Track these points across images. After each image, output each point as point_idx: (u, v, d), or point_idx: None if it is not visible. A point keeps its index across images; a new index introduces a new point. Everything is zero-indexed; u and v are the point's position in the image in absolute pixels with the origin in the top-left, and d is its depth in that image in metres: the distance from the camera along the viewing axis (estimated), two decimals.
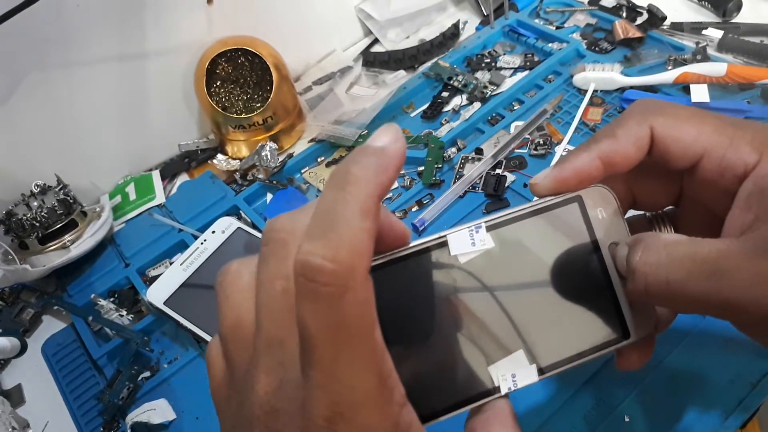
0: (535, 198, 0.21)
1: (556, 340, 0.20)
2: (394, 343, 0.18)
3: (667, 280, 0.18)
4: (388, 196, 0.45)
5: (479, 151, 0.46)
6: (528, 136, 0.46)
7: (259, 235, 0.42)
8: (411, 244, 0.20)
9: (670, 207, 0.23)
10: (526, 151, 0.45)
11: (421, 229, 0.41)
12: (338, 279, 0.14)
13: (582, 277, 0.21)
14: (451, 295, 0.20)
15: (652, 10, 0.52)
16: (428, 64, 0.55)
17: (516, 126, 0.47)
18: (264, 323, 0.16)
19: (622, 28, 0.52)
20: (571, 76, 0.49)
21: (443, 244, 0.20)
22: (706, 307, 0.18)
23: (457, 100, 0.51)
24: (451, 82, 0.52)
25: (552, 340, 0.20)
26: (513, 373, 0.20)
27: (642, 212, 0.24)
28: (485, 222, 0.20)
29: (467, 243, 0.20)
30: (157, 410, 0.35)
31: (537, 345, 0.20)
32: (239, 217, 0.46)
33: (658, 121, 0.20)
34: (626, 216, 0.22)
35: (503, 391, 0.19)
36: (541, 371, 0.20)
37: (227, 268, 0.18)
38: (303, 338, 0.15)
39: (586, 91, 0.48)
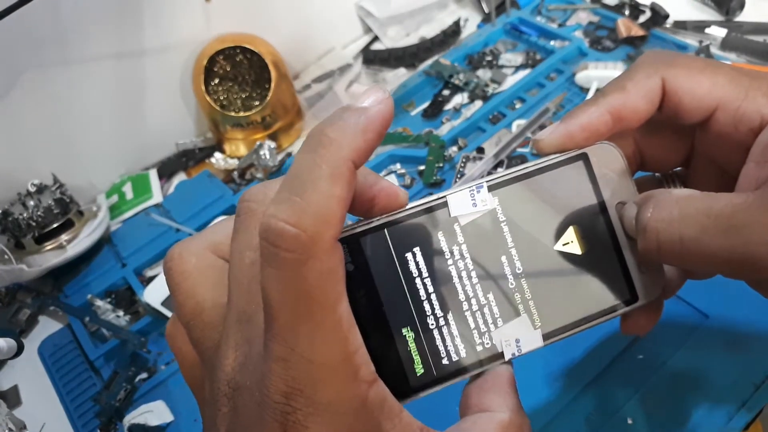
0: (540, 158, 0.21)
1: (562, 304, 0.19)
2: (389, 309, 0.18)
3: (680, 237, 0.17)
4: None
5: (480, 150, 0.45)
6: (530, 135, 0.46)
7: None
8: (408, 206, 0.19)
9: (679, 168, 0.22)
10: (528, 150, 0.45)
11: None
12: (300, 245, 0.14)
13: (588, 238, 0.20)
14: (450, 259, 0.19)
15: (655, 8, 0.52)
16: (429, 62, 0.55)
17: (518, 125, 0.47)
18: (233, 298, 0.16)
19: (624, 26, 0.52)
20: (574, 75, 0.49)
21: (442, 205, 0.19)
22: (721, 265, 0.17)
23: (458, 99, 0.51)
24: (452, 80, 0.51)
25: (557, 304, 0.19)
26: (517, 338, 0.19)
27: (651, 173, 0.23)
28: (487, 182, 0.19)
29: (468, 204, 0.19)
30: (155, 412, 0.35)
31: (541, 309, 0.19)
32: None
33: (670, 72, 0.19)
34: (634, 177, 0.21)
35: (507, 356, 0.19)
36: (546, 336, 0.19)
37: (171, 254, 0.18)
38: (264, 308, 0.14)
39: (588, 89, 0.47)
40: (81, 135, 0.48)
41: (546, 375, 0.32)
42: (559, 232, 0.20)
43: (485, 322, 0.19)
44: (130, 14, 0.46)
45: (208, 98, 0.49)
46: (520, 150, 0.45)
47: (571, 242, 0.20)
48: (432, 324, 0.19)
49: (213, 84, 0.50)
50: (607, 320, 0.20)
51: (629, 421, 0.30)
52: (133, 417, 0.35)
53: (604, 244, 0.20)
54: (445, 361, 0.19)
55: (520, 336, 0.19)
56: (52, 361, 0.40)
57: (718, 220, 0.16)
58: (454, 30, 0.57)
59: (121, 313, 0.41)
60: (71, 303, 0.42)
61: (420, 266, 0.19)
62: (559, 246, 0.20)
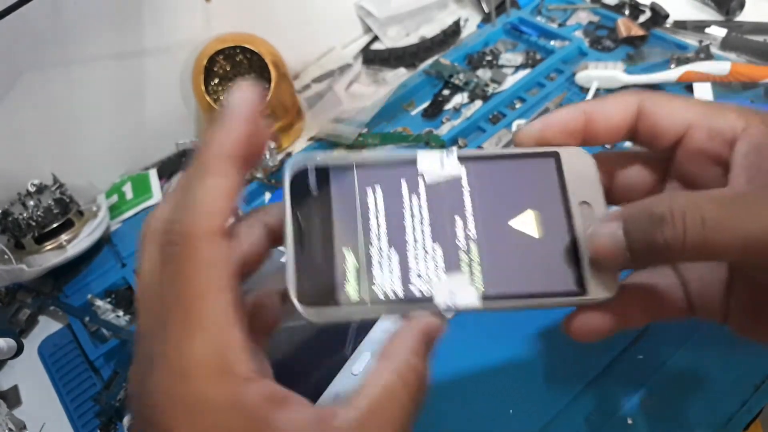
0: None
1: (507, 275, 0.20)
2: (338, 231, 0.19)
3: (702, 218, 0.17)
4: None
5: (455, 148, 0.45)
6: None
7: None
8: (381, 155, 0.21)
9: None
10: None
11: None
12: (180, 238, 0.14)
13: (545, 225, 0.21)
14: (407, 206, 0.20)
15: (655, 8, 0.52)
16: (429, 61, 0.55)
17: (518, 125, 0.47)
18: (138, 317, 0.16)
19: (624, 26, 0.52)
20: (574, 75, 0.49)
21: (412, 161, 0.21)
22: (738, 246, 0.17)
23: (458, 99, 0.51)
24: (452, 80, 0.51)
25: (502, 274, 0.20)
26: (452, 290, 0.19)
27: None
28: (458, 151, 0.21)
29: (436, 164, 0.21)
30: None
31: (486, 274, 0.20)
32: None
33: (646, 96, 0.21)
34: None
35: (438, 304, 0.19)
36: (484, 298, 0.20)
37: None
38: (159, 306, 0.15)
39: (588, 89, 0.47)
40: (81, 135, 0.48)
41: (546, 375, 0.32)
42: (518, 212, 0.21)
43: (426, 268, 0.20)
44: (130, 14, 0.46)
45: (208, 98, 0.49)
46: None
47: (528, 224, 0.21)
48: (374, 254, 0.20)
49: (213, 84, 0.50)
50: (553, 305, 0.20)
51: (629, 421, 0.30)
52: None
53: (560, 235, 0.21)
54: (376, 291, 0.19)
55: (456, 290, 0.19)
56: (52, 361, 0.40)
57: (734, 201, 0.17)
58: (454, 30, 0.57)
59: (121, 313, 0.41)
60: (71, 303, 0.42)
61: (377, 204, 0.20)
62: (515, 224, 0.21)
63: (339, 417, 0.16)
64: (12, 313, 0.43)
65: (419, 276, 0.20)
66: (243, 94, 0.17)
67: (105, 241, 0.46)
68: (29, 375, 0.40)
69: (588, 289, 0.20)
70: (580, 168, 0.21)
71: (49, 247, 0.42)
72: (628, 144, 0.23)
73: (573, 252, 0.20)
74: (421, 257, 0.20)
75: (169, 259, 0.15)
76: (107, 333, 0.40)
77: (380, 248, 0.20)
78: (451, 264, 0.20)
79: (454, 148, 0.22)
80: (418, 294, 0.19)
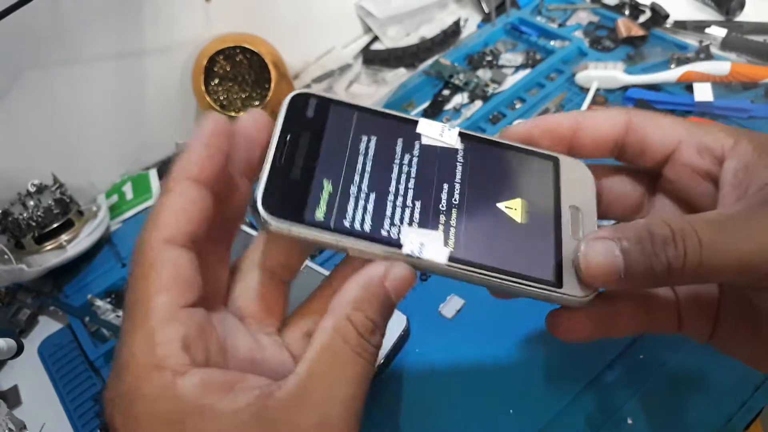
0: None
1: (481, 247, 0.20)
2: (323, 162, 0.20)
3: (699, 241, 0.17)
4: None
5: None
6: None
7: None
8: (384, 109, 0.22)
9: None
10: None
11: None
12: (138, 247, 0.18)
13: (531, 215, 0.21)
14: (398, 160, 0.21)
15: (655, 8, 0.52)
16: (429, 61, 0.55)
17: (518, 125, 0.47)
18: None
19: (624, 26, 0.52)
20: (574, 75, 0.49)
21: (413, 123, 0.22)
22: (732, 266, 0.17)
23: (459, 99, 0.51)
24: (452, 80, 0.51)
25: (477, 244, 0.20)
26: (422, 242, 0.20)
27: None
28: (462, 129, 0.22)
29: (435, 132, 0.22)
30: None
31: (460, 239, 0.20)
32: None
33: (636, 113, 0.22)
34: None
35: (404, 249, 0.19)
36: (452, 258, 0.20)
37: None
38: None
39: (588, 89, 0.47)
40: (81, 135, 0.48)
41: (546, 375, 0.32)
42: (506, 197, 0.21)
43: (401, 218, 0.20)
44: (130, 14, 0.46)
45: (208, 98, 0.49)
46: None
47: (514, 209, 0.21)
48: (352, 191, 0.20)
49: (213, 84, 0.50)
50: (523, 291, 0.20)
51: (629, 421, 0.30)
52: None
53: (545, 226, 0.21)
54: (345, 222, 0.19)
55: (426, 243, 0.20)
56: (52, 361, 0.40)
57: (727, 222, 0.18)
58: (454, 30, 0.57)
59: (121, 313, 0.41)
60: (71, 303, 0.42)
61: (368, 149, 0.21)
62: (501, 205, 0.21)
63: (281, 388, 0.17)
64: (12, 313, 0.42)
65: (392, 223, 0.20)
66: (206, 123, 0.19)
67: (105, 241, 0.46)
68: (29, 375, 0.40)
69: (564, 283, 0.20)
70: (577, 177, 0.22)
71: (49, 247, 0.42)
72: None
73: (555, 245, 0.21)
74: (399, 207, 0.20)
75: (133, 265, 0.17)
76: (107, 333, 0.40)
77: (360, 188, 0.20)
78: (427, 222, 0.20)
79: (457, 126, 0.22)
80: (385, 236, 0.19)
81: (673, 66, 0.47)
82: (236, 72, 0.51)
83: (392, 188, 0.21)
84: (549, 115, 0.23)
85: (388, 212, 0.20)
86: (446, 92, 0.51)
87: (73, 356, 0.40)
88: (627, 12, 0.54)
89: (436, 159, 0.21)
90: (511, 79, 0.51)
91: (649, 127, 0.21)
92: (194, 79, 0.50)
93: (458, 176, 0.21)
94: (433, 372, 0.32)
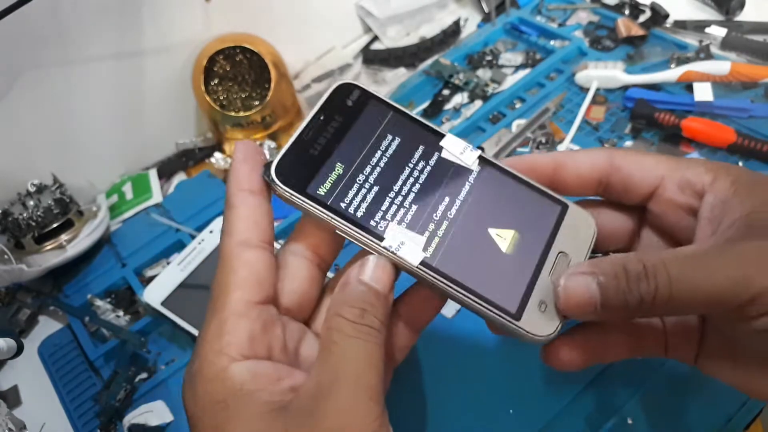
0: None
1: (459, 263, 0.21)
2: (342, 148, 0.22)
3: (668, 276, 0.18)
4: None
5: (480, 149, 0.45)
6: (530, 135, 0.46)
7: None
8: (418, 117, 0.23)
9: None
10: (528, 149, 0.45)
11: None
12: (221, 253, 0.21)
13: (517, 248, 0.22)
14: (411, 163, 0.22)
15: (654, 8, 0.52)
16: (429, 61, 0.55)
17: (518, 124, 0.47)
18: None
19: (624, 25, 0.52)
20: (574, 74, 0.49)
21: (439, 135, 0.23)
22: (703, 299, 0.18)
23: (458, 99, 0.51)
24: (452, 80, 0.51)
25: (456, 259, 0.21)
26: (402, 241, 0.21)
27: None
28: (481, 152, 0.23)
29: (457, 149, 0.23)
30: (155, 412, 0.35)
31: (440, 249, 0.21)
32: None
33: (618, 152, 0.23)
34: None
35: (384, 242, 0.21)
36: (423, 263, 0.21)
37: None
38: None
39: (588, 89, 0.47)
40: (81, 135, 0.48)
41: (546, 375, 0.32)
42: (501, 225, 0.22)
43: (394, 215, 0.22)
44: (130, 14, 0.46)
45: (208, 98, 0.49)
46: (520, 150, 0.45)
47: (504, 238, 0.22)
48: (358, 179, 0.22)
49: (213, 84, 0.50)
50: (482, 312, 0.21)
51: (629, 421, 0.30)
52: (133, 417, 0.35)
53: (526, 263, 0.22)
54: (342, 203, 0.21)
55: (406, 243, 0.21)
56: (52, 361, 0.40)
57: (696, 258, 0.19)
58: (454, 30, 0.57)
59: (121, 313, 0.41)
60: (71, 303, 0.42)
61: (389, 147, 0.23)
62: (492, 231, 0.22)
63: (303, 385, 0.19)
64: (12, 313, 0.43)
65: (383, 218, 0.21)
66: (240, 146, 0.22)
67: (105, 241, 0.46)
68: (29, 375, 0.40)
69: (523, 318, 0.21)
70: (579, 227, 0.23)
71: (49, 247, 0.42)
72: None
73: (529, 282, 0.21)
74: (395, 205, 0.22)
75: (217, 266, 0.20)
76: (107, 333, 0.40)
77: (367, 179, 0.22)
78: (416, 225, 0.22)
79: (478, 150, 0.23)
80: (372, 226, 0.21)
81: (673, 66, 0.47)
82: (236, 72, 0.51)
83: (396, 187, 0.22)
84: (530, 154, 0.24)
85: (384, 207, 0.22)
86: (446, 92, 0.51)
87: (73, 356, 0.40)
88: (627, 12, 0.54)
89: (449, 173, 0.23)
90: (511, 79, 0.51)
91: (632, 165, 0.22)
92: (194, 79, 0.50)
93: (462, 194, 0.22)
94: (432, 372, 0.32)
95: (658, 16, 0.52)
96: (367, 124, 0.23)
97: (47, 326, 0.43)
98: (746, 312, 0.18)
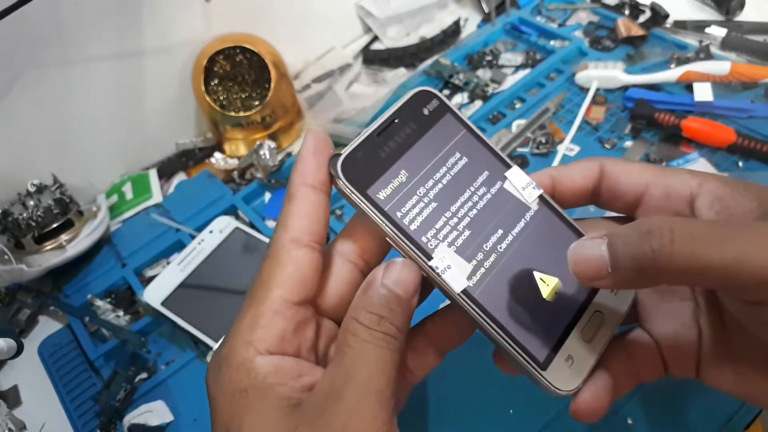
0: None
1: (499, 299, 0.21)
2: (409, 156, 0.22)
3: (691, 234, 0.17)
4: None
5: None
6: (530, 135, 0.46)
7: (257, 234, 0.42)
8: (492, 141, 0.22)
9: None
10: (528, 149, 0.45)
11: None
12: (271, 246, 0.21)
13: (558, 298, 0.22)
14: (473, 187, 0.22)
15: (654, 8, 0.52)
16: (429, 61, 0.55)
17: (518, 124, 0.47)
18: None
19: (624, 26, 0.52)
20: (574, 74, 0.49)
21: (507, 164, 0.23)
22: (715, 268, 0.17)
23: (459, 99, 0.51)
24: (452, 80, 0.51)
25: (496, 294, 0.21)
26: (449, 265, 0.21)
27: None
28: (545, 195, 0.23)
29: (520, 183, 0.23)
30: (155, 412, 0.35)
31: (484, 281, 0.21)
32: (237, 217, 0.45)
33: (608, 160, 0.23)
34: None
35: (432, 261, 0.21)
36: (464, 292, 0.21)
37: None
38: None
39: (588, 89, 0.47)
40: (81, 135, 0.48)
41: None
42: (547, 270, 0.22)
43: (446, 235, 0.21)
44: (130, 14, 0.46)
45: (208, 98, 0.49)
46: (520, 150, 0.45)
47: (547, 285, 0.22)
48: (419, 192, 0.21)
49: (213, 84, 0.50)
50: (509, 355, 0.21)
51: (629, 421, 0.30)
52: (133, 417, 0.35)
53: (563, 314, 0.22)
54: (398, 212, 0.21)
55: (453, 267, 0.21)
56: (52, 361, 0.40)
57: (728, 224, 0.18)
58: (454, 30, 0.57)
59: (121, 313, 0.41)
60: (71, 303, 0.42)
61: (455, 165, 0.22)
62: (537, 275, 0.22)
63: (317, 385, 0.20)
64: (12, 313, 0.42)
65: (436, 236, 0.21)
66: (310, 137, 0.21)
67: (105, 241, 0.46)
68: (29, 375, 0.40)
69: (549, 369, 0.21)
70: (616, 292, 0.22)
71: (49, 247, 0.42)
72: None
73: (561, 335, 0.21)
74: (449, 227, 0.21)
75: (265, 256, 0.21)
76: (107, 333, 0.40)
77: (427, 193, 0.22)
78: (465, 252, 0.21)
79: (543, 192, 0.23)
80: (423, 242, 0.21)
81: (673, 66, 0.47)
82: (236, 72, 0.51)
83: (454, 208, 0.22)
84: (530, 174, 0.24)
85: (438, 225, 0.21)
86: (446, 92, 0.51)
87: (73, 356, 0.40)
88: (627, 12, 0.54)
89: (507, 206, 0.22)
90: (511, 79, 0.51)
91: (620, 173, 0.23)
92: (194, 79, 0.50)
93: (516, 230, 0.22)
94: (432, 371, 0.32)
95: (658, 16, 0.52)
96: (438, 137, 0.22)
97: (47, 326, 0.43)
98: (761, 293, 0.17)
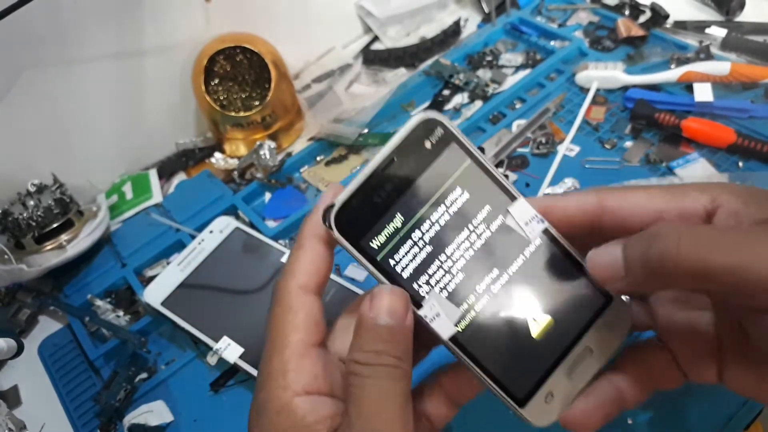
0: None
1: (485, 341, 0.21)
2: (405, 200, 0.21)
3: (698, 238, 0.18)
4: None
5: (480, 150, 0.45)
6: (530, 135, 0.46)
7: (257, 234, 0.42)
8: (495, 170, 0.22)
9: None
10: (528, 150, 0.45)
11: None
12: (276, 291, 0.22)
13: (547, 337, 0.21)
14: (472, 224, 0.21)
15: (655, 8, 0.52)
16: (429, 61, 0.55)
17: (518, 125, 0.47)
18: None
19: (624, 26, 0.52)
20: (574, 75, 0.49)
21: (512, 196, 0.22)
22: (722, 273, 0.17)
23: (459, 99, 0.51)
24: (452, 80, 0.51)
25: (483, 337, 0.21)
26: (438, 313, 0.21)
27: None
28: (550, 228, 0.22)
29: (524, 218, 0.22)
30: (155, 412, 0.35)
31: (472, 325, 0.21)
32: (237, 217, 0.45)
33: (607, 193, 0.22)
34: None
35: (421, 310, 0.21)
36: (451, 339, 0.21)
37: None
38: None
39: (588, 89, 0.47)
40: (81, 135, 0.48)
41: None
42: (540, 310, 0.22)
43: (438, 280, 0.21)
44: (130, 14, 0.46)
45: (208, 98, 0.49)
46: (520, 150, 0.45)
47: (538, 324, 0.21)
48: (414, 236, 0.21)
49: (213, 84, 0.50)
50: (492, 390, 0.21)
51: (629, 422, 0.30)
52: (133, 417, 0.35)
53: (550, 353, 0.21)
54: (391, 260, 0.21)
55: (442, 315, 0.21)
56: (52, 361, 0.40)
57: (735, 231, 0.18)
58: (454, 30, 0.57)
59: (121, 313, 0.41)
60: (71, 303, 0.42)
61: (455, 202, 0.21)
62: (528, 314, 0.21)
63: (341, 424, 0.20)
64: (12, 313, 0.42)
65: (428, 281, 0.21)
66: (329, 189, 0.22)
67: (105, 241, 0.46)
68: (29, 375, 0.40)
69: (527, 407, 0.21)
70: (615, 322, 0.22)
71: (49, 247, 0.42)
72: None
73: (545, 372, 0.21)
74: (442, 270, 0.21)
75: (273, 304, 0.22)
76: (107, 333, 0.40)
77: (422, 237, 0.21)
78: (456, 297, 0.21)
79: (548, 226, 0.22)
80: (414, 289, 0.21)
81: (673, 66, 0.47)
82: (236, 72, 0.51)
83: (449, 250, 0.21)
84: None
85: (431, 270, 0.21)
86: (446, 92, 0.51)
87: (73, 356, 0.40)
88: (627, 12, 0.54)
89: (506, 242, 0.21)
90: (511, 79, 0.51)
91: (624, 205, 0.21)
92: (194, 79, 0.50)
93: (513, 269, 0.21)
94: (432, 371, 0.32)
95: (658, 16, 0.52)
96: (439, 172, 0.21)
97: (47, 326, 0.43)
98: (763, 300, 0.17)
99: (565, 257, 0.22)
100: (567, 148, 0.44)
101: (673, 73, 0.46)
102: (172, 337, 0.40)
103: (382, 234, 0.20)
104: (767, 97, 0.44)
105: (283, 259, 0.39)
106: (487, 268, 0.21)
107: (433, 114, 0.21)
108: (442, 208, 0.21)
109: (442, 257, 0.21)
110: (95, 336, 0.40)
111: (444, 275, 0.21)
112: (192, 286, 0.40)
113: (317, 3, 0.56)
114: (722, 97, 0.44)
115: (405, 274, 0.21)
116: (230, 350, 0.35)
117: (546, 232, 0.22)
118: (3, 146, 0.45)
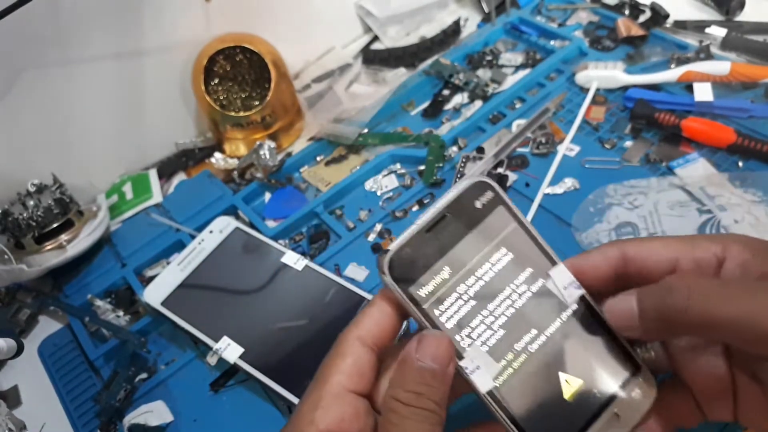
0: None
1: (520, 397, 0.22)
2: (452, 257, 0.22)
3: (706, 293, 0.20)
4: (388, 196, 0.44)
5: (480, 150, 0.45)
6: (530, 135, 0.46)
7: (257, 234, 0.42)
8: (539, 236, 0.23)
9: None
10: (528, 149, 0.45)
11: None
12: (338, 338, 0.23)
13: (579, 399, 0.22)
14: (514, 284, 0.22)
15: (655, 8, 0.52)
16: (429, 61, 0.55)
17: (518, 124, 0.47)
18: None
19: (624, 26, 0.52)
20: (574, 74, 0.49)
21: (551, 261, 0.23)
22: (729, 325, 0.19)
23: (458, 99, 0.51)
24: (452, 80, 0.51)
25: (519, 394, 0.22)
26: (479, 366, 0.21)
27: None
28: (586, 296, 0.23)
29: (562, 282, 0.23)
30: (155, 412, 0.35)
31: (509, 384, 0.22)
32: (237, 217, 0.45)
33: (628, 244, 0.23)
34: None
35: (462, 362, 0.21)
36: (489, 393, 0.21)
37: None
38: None
39: (588, 89, 0.47)
40: (81, 135, 0.48)
41: None
42: (573, 372, 0.22)
43: (479, 334, 0.22)
44: (130, 14, 0.46)
45: (208, 98, 0.49)
46: (520, 150, 0.45)
47: (570, 387, 0.22)
48: (459, 290, 0.22)
49: (213, 84, 0.50)
50: None
51: None
52: (133, 417, 0.35)
53: (580, 414, 0.22)
54: (436, 311, 0.22)
55: (482, 368, 0.21)
56: (52, 361, 0.40)
57: (738, 283, 0.20)
58: (454, 30, 0.57)
59: (121, 313, 0.41)
60: (71, 303, 0.42)
61: (499, 261, 0.22)
62: (563, 376, 0.22)
63: None
64: (12, 313, 0.43)
65: (470, 335, 0.22)
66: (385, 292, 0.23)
67: (105, 241, 0.46)
68: (29, 375, 0.40)
69: None
70: (641, 392, 0.23)
71: (49, 247, 0.42)
72: None
73: None
74: (484, 325, 0.22)
75: (332, 348, 0.23)
76: (107, 333, 0.40)
77: (467, 291, 0.22)
78: (496, 352, 0.22)
79: (586, 294, 0.23)
80: (457, 341, 0.22)
81: (673, 66, 0.47)
82: (236, 72, 0.51)
83: (492, 306, 0.22)
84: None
85: (473, 323, 0.22)
86: (446, 92, 0.51)
87: (73, 356, 0.40)
88: (627, 12, 0.54)
89: (545, 305, 0.23)
90: (511, 79, 0.51)
91: (643, 253, 0.23)
92: (194, 79, 0.50)
93: (550, 330, 0.22)
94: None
95: (658, 16, 0.52)
96: (487, 231, 0.22)
97: (47, 326, 0.43)
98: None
99: (598, 325, 0.23)
100: (567, 147, 0.44)
101: (673, 73, 0.46)
102: (172, 337, 0.40)
103: (430, 284, 0.22)
104: (767, 96, 0.44)
105: (283, 259, 0.39)
106: (526, 327, 0.22)
107: (485, 178, 0.23)
108: (487, 266, 0.22)
109: (485, 312, 0.22)
110: (95, 336, 0.40)
111: (485, 330, 0.22)
112: (192, 286, 0.40)
113: (317, 3, 0.56)
114: (722, 97, 0.44)
115: (449, 325, 0.22)
116: (230, 350, 0.35)
117: (582, 298, 0.23)
118: (3, 146, 0.45)
